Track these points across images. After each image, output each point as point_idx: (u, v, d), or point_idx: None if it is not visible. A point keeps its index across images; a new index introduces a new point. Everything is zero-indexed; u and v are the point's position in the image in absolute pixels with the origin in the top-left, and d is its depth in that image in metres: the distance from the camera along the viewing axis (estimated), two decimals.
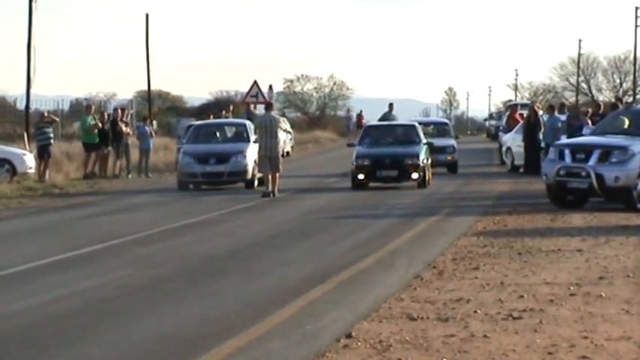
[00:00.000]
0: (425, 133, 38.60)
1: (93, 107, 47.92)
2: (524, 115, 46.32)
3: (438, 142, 40.65)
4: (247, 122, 38.90)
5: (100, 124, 42.45)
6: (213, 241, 22.07)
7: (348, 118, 75.44)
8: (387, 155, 34.16)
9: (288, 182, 35.02)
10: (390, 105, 52.65)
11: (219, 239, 22.46)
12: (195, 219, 26.13)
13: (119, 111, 46.07)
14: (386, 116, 49.92)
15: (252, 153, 34.86)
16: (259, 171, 34.11)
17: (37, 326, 13.22)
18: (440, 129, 46.41)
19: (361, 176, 33.64)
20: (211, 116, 51.99)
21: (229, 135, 37.43)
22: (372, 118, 53.60)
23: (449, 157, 42.04)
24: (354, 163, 34.03)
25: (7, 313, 14.04)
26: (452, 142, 43.46)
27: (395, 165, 33.85)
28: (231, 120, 43.25)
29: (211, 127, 39.15)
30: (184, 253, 20.16)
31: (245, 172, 34.84)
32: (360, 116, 74.37)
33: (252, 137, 35.79)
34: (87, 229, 24.62)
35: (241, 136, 36.44)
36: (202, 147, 35.77)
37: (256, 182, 34.92)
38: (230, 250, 20.63)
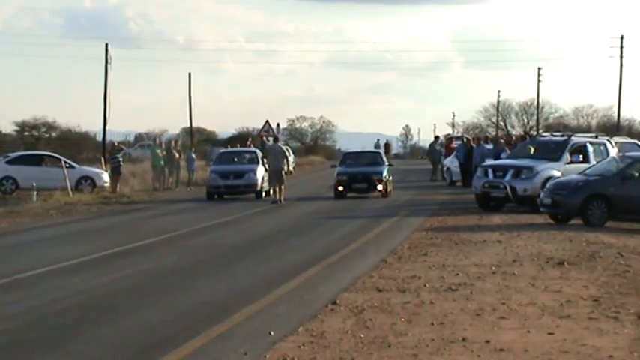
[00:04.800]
0: None
1: (156, 139, 48.03)
2: (457, 145, 46.31)
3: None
4: (257, 150, 38.79)
5: (166, 153, 42.57)
6: (237, 235, 22.07)
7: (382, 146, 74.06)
8: (359, 173, 34.08)
9: (290, 193, 35.01)
10: (436, 137, 52.87)
11: (241, 234, 22.46)
12: (223, 219, 26.14)
13: (173, 142, 46.22)
14: (432, 145, 50.04)
15: (260, 172, 34.78)
16: (269, 185, 34.11)
17: (114, 295, 13.27)
18: None
19: (341, 188, 33.57)
20: (228, 146, 51.72)
21: (244, 159, 37.21)
22: (351, 147, 53.22)
23: None
24: (336, 179, 34.06)
25: (93, 285, 14.07)
26: None
27: (365, 180, 33.82)
28: (245, 149, 42.90)
29: (231, 154, 38.95)
30: (216, 244, 20.16)
31: (255, 185, 34.52)
32: (387, 145, 74.95)
33: (262, 160, 35.77)
34: (147, 226, 24.62)
35: (252, 160, 36.21)
36: (225, 167, 35.54)
37: (263, 194, 34.71)
38: (249, 241, 20.64)
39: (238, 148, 43.91)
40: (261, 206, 30.96)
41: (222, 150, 43.27)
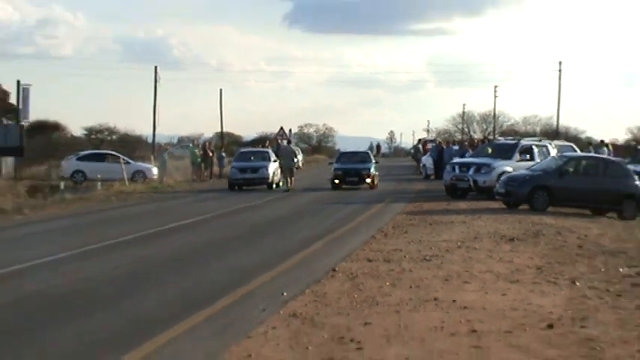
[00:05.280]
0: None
1: (194, 141, 48.24)
2: (431, 147, 46.43)
3: None
4: (269, 150, 38.36)
5: (202, 152, 42.62)
6: (258, 217, 22.11)
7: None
8: (351, 169, 33.98)
9: (298, 184, 35.04)
10: (419, 140, 52.62)
11: (261, 216, 22.50)
12: (246, 204, 26.19)
13: (207, 143, 46.33)
14: (416, 146, 49.65)
15: (271, 168, 34.42)
16: (282, 177, 34.00)
17: (162, 263, 13.31)
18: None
19: (337, 181, 33.45)
20: (250, 147, 51.56)
21: (258, 157, 36.60)
22: (348, 148, 53.01)
23: None
24: (333, 173, 34.01)
25: (142, 255, 14.11)
26: None
27: (356, 174, 33.70)
28: (259, 149, 42.34)
29: (248, 153, 38.52)
30: (241, 223, 20.21)
31: (267, 178, 34.02)
32: (378, 146, 76.69)
33: (272, 158, 35.49)
34: (187, 210, 24.65)
35: (265, 158, 35.74)
36: (243, 163, 35.12)
37: (274, 185, 34.33)
38: (267, 221, 20.67)
39: (254, 148, 43.70)
40: (274, 195, 30.99)
41: (242, 149, 43.24)
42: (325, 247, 15.20)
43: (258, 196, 29.93)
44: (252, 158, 36.21)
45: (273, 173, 34.41)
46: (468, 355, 7.39)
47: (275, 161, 34.84)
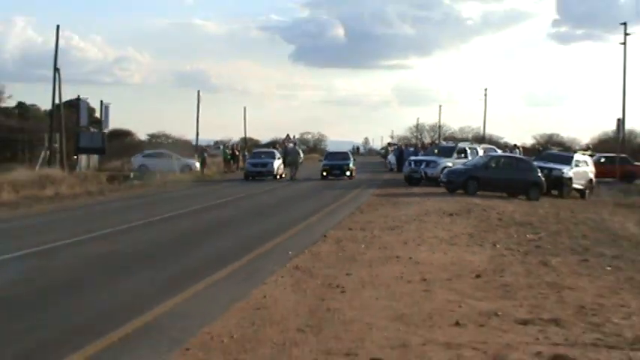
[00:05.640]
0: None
1: (225, 144, 48.09)
2: (394, 148, 46.38)
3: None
4: (275, 150, 37.25)
5: (231, 152, 42.39)
6: (271, 198, 22.02)
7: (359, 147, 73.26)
8: (336, 164, 33.53)
9: (299, 175, 34.93)
10: (388, 144, 51.95)
11: (272, 197, 22.42)
12: (261, 190, 26.07)
13: (235, 145, 46.25)
14: (386, 148, 49.36)
15: (277, 163, 33.59)
16: (289, 171, 33.57)
17: (206, 230, 13.17)
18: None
19: (325, 173, 32.87)
20: (264, 148, 51.18)
21: (267, 155, 35.43)
22: (335, 149, 52.74)
23: None
24: (322, 167, 33.59)
25: (195, 223, 14.00)
26: None
27: (339, 168, 33.21)
28: (267, 149, 41.41)
29: (260, 152, 37.39)
30: (257, 203, 20.10)
31: (273, 171, 33.09)
32: (357, 148, 77.01)
33: (277, 156, 34.64)
34: (221, 193, 24.55)
35: (272, 156, 34.81)
36: (255, 160, 34.29)
37: (278, 177, 33.48)
38: (277, 201, 20.59)
39: (264, 149, 43.20)
40: (281, 183, 30.85)
41: (255, 150, 42.91)
42: (319, 219, 15.17)
43: (269, 184, 29.83)
44: (262, 156, 35.68)
45: (278, 167, 34.06)
46: (420, 296, 7.38)
47: (279, 158, 34.45)
